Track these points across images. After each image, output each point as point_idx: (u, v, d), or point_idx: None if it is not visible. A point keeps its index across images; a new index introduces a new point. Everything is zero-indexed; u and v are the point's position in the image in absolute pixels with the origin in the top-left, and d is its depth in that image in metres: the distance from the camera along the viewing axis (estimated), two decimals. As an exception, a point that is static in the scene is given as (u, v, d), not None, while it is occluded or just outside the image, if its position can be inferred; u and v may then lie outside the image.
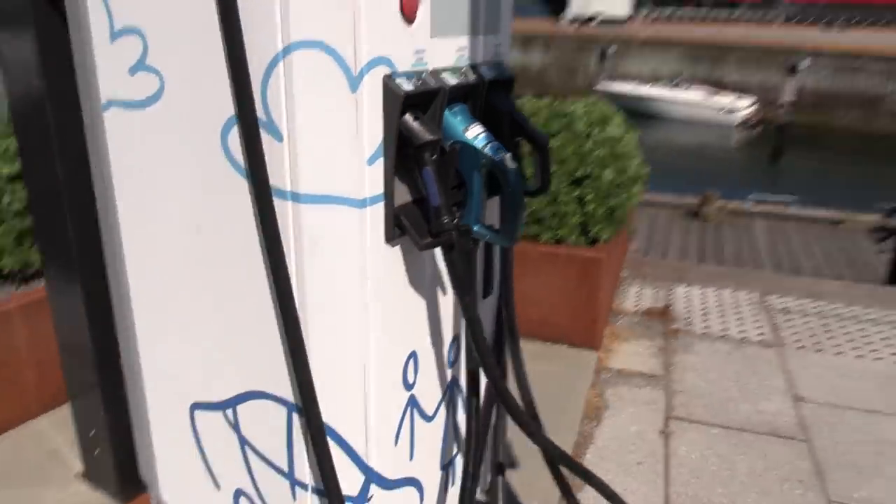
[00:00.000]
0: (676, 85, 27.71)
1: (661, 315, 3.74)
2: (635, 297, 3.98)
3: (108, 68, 1.51)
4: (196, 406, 1.68)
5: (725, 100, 26.80)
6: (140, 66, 1.43)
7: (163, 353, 1.71)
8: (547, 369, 3.03)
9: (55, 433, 2.53)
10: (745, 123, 26.91)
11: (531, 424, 1.62)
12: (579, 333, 3.28)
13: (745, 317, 3.73)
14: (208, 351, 1.58)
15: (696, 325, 3.64)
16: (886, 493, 2.37)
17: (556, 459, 1.87)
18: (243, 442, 1.61)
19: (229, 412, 1.61)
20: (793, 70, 29.79)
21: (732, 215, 8.38)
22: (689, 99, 27.25)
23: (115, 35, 1.46)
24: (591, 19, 39.05)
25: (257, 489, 1.64)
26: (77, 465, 2.33)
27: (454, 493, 1.91)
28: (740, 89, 29.68)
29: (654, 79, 29.08)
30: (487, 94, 1.52)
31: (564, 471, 1.93)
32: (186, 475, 1.79)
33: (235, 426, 1.61)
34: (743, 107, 26.88)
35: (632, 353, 3.32)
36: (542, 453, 1.76)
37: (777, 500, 2.34)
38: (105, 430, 2.05)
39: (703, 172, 15.27)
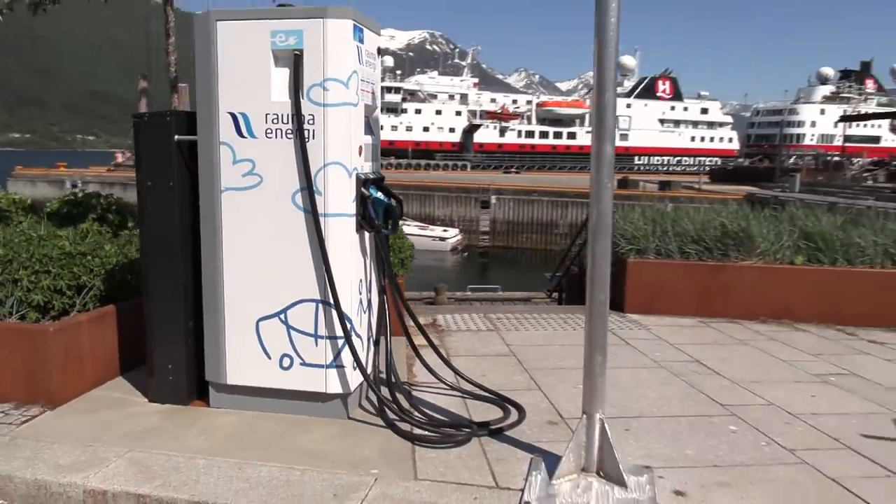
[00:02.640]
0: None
1: (433, 325, 6.26)
2: (422, 320, 6.48)
3: (228, 172, 3.71)
4: (261, 318, 3.79)
5: (435, 232, 31.69)
6: (250, 173, 3.68)
7: (240, 293, 3.79)
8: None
9: (113, 392, 4.18)
10: (455, 249, 31.98)
11: (407, 312, 4.01)
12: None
13: (477, 322, 6.40)
14: (273, 287, 3.74)
15: (452, 327, 6.23)
16: (550, 367, 5.02)
17: (418, 329, 4.24)
18: (289, 328, 3.76)
19: (282, 315, 3.76)
20: (485, 205, 36.27)
21: (457, 300, 11.43)
22: (408, 232, 31.76)
23: (236, 160, 3.69)
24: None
25: (295, 349, 3.77)
26: (142, 401, 4.07)
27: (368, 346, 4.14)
28: (448, 222, 35.18)
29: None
30: (378, 182, 4.01)
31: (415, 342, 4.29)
32: (247, 359, 3.83)
33: (285, 321, 3.76)
34: (450, 236, 31.98)
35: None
36: (406, 326, 4.12)
37: (505, 371, 4.86)
38: (182, 359, 3.95)
39: (433, 278, 18.78)
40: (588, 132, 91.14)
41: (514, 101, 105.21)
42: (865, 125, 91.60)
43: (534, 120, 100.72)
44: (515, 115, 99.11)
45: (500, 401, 4.10)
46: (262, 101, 3.63)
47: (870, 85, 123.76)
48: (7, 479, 3.18)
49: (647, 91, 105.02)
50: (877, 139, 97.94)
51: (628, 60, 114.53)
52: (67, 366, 4.04)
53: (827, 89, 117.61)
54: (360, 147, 3.77)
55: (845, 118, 55.24)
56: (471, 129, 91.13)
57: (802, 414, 4.09)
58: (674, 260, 6.84)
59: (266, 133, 3.64)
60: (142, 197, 3.91)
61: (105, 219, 6.80)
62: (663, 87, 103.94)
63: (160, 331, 3.99)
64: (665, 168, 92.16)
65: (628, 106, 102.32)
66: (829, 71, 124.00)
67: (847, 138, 71.16)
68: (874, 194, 28.01)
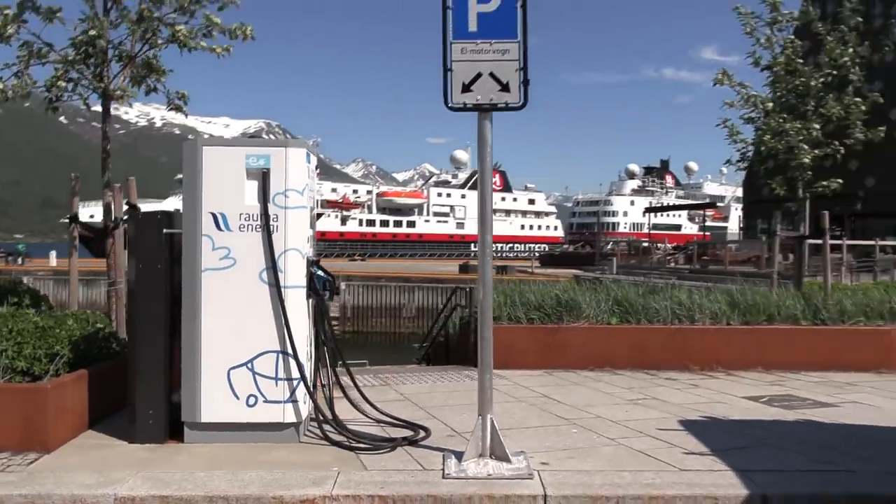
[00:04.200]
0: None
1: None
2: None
3: (208, 257, 4.93)
4: (231, 367, 4.95)
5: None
6: (226, 257, 4.93)
7: (216, 349, 4.94)
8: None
9: (92, 439, 5.03)
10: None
11: (340, 359, 5.33)
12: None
13: (371, 380, 7.69)
14: (243, 339, 4.94)
15: (351, 385, 7.48)
16: (439, 405, 6.42)
17: (347, 376, 5.53)
18: (254, 373, 4.96)
19: (249, 364, 4.96)
20: (336, 291, 37.27)
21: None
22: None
23: (215, 247, 4.93)
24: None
25: (259, 390, 4.96)
26: (123, 443, 4.99)
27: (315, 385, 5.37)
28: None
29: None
30: (317, 262, 5.37)
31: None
32: (219, 401, 4.95)
33: (252, 368, 4.96)
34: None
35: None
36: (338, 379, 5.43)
37: (405, 410, 6.19)
38: (162, 406, 4.97)
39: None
40: (426, 221, 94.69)
41: (355, 191, 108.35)
42: (667, 215, 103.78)
43: (374, 209, 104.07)
44: (356, 205, 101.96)
45: (411, 425, 5.47)
46: (237, 204, 4.94)
47: (669, 180, 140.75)
48: (46, 497, 4.07)
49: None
50: (678, 227, 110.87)
51: (461, 155, 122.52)
52: (58, 418, 4.91)
53: (635, 183, 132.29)
54: (309, 237, 5.16)
55: (650, 209, 62.89)
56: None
57: (620, 420, 5.84)
58: (521, 325, 8.62)
59: (239, 228, 4.94)
60: (134, 277, 5.00)
61: (21, 302, 7.46)
62: (494, 179, 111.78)
63: (144, 384, 5.00)
64: (499, 254, 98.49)
65: (463, 196, 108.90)
66: (635, 167, 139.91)
67: (654, 226, 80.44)
68: (676, 273, 32.61)
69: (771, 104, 10.26)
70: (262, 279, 4.95)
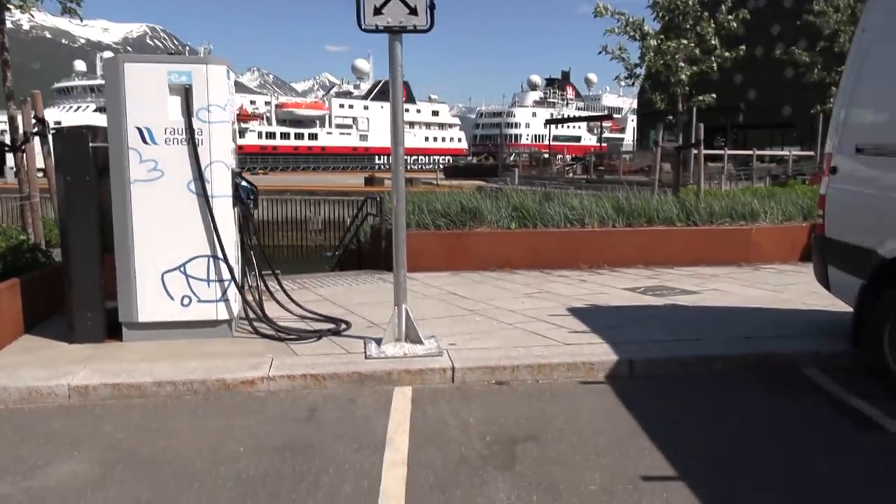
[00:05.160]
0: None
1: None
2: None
3: (136, 169, 5.22)
4: (165, 272, 5.36)
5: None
6: (154, 169, 5.25)
7: (149, 255, 5.32)
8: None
9: (32, 342, 5.36)
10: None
11: (267, 270, 5.83)
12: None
13: (289, 285, 8.21)
14: (174, 245, 5.34)
15: (271, 289, 7.98)
16: (356, 303, 7.07)
17: (273, 277, 6.04)
18: (187, 276, 5.40)
19: (182, 268, 5.38)
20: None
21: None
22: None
23: (142, 160, 5.23)
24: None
25: (192, 291, 5.42)
26: (64, 344, 5.36)
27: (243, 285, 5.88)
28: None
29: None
30: (240, 174, 5.76)
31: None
32: (155, 303, 5.38)
33: (184, 272, 5.39)
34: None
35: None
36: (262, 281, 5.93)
37: (326, 307, 6.80)
38: (98, 308, 5.35)
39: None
40: (329, 133, 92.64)
41: (253, 102, 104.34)
42: (568, 126, 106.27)
43: (274, 121, 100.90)
44: (255, 116, 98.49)
45: (333, 320, 6.09)
46: (162, 118, 5.22)
47: (570, 91, 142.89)
48: (2, 390, 4.46)
49: (383, 94, 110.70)
50: (578, 138, 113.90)
51: (363, 64, 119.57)
52: (-3, 322, 5.21)
53: (537, 95, 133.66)
54: (232, 150, 5.52)
55: (550, 121, 64.36)
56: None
57: (517, 310, 6.68)
58: (429, 231, 9.29)
59: (165, 141, 5.24)
60: (63, 190, 5.23)
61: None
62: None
63: (80, 289, 5.34)
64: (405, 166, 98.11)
65: (366, 108, 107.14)
66: (537, 78, 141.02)
67: (555, 137, 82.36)
68: (574, 184, 34.19)
69: (647, 27, 11.05)
70: (191, 189, 5.31)
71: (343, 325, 5.90)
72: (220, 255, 5.37)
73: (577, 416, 4.32)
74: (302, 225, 36.79)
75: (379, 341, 5.30)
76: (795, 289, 7.94)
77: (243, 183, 5.63)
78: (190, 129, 5.23)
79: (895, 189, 4.86)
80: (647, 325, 6.11)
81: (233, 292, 5.51)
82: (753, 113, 48.57)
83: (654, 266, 9.50)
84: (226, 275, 5.43)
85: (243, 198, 5.59)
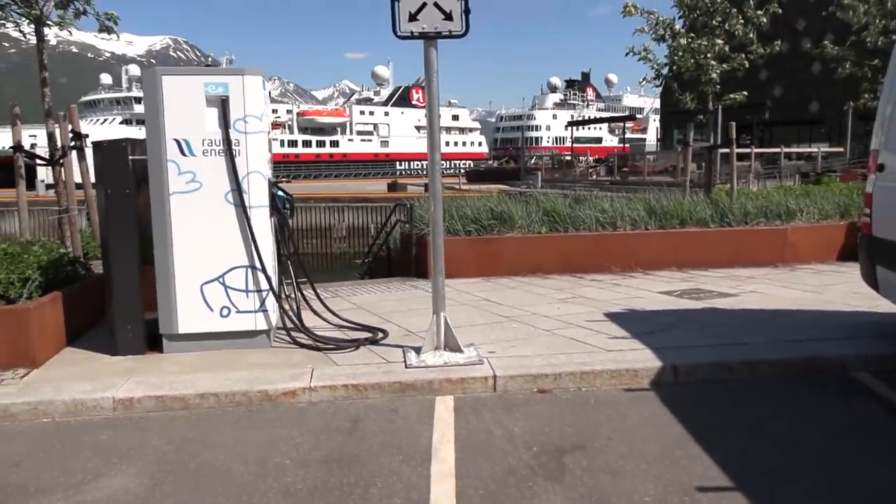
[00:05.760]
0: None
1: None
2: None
3: (175, 181, 5.26)
4: (204, 283, 5.38)
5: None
6: (192, 181, 5.27)
7: (188, 266, 5.35)
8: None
9: (76, 354, 5.41)
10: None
11: (303, 279, 5.83)
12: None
13: (322, 294, 8.23)
14: (213, 256, 5.36)
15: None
16: (390, 311, 7.05)
17: (309, 287, 6.04)
18: (226, 287, 5.41)
19: (221, 279, 5.40)
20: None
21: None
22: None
23: (180, 172, 5.26)
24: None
25: (231, 301, 5.43)
26: (107, 356, 5.40)
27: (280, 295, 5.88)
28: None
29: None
30: (277, 184, 5.77)
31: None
32: (194, 314, 5.40)
33: (223, 283, 5.40)
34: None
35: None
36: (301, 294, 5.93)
37: (361, 315, 6.79)
38: (139, 321, 5.38)
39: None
40: (350, 140, 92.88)
41: (275, 111, 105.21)
42: (589, 128, 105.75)
43: (295, 129, 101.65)
44: (277, 125, 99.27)
45: (370, 328, 6.07)
46: (199, 130, 5.24)
47: (590, 93, 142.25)
48: (49, 403, 4.50)
49: (403, 100, 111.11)
50: (599, 140, 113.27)
51: (383, 71, 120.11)
52: (41, 336, 5.26)
53: (557, 97, 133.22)
54: (268, 160, 5.54)
55: (571, 123, 64.04)
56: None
57: (553, 316, 6.61)
58: (460, 236, 9.25)
59: (203, 153, 5.26)
60: (104, 203, 5.28)
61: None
62: (417, 95, 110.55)
63: (122, 301, 5.38)
64: (424, 172, 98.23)
65: (387, 114, 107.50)
66: (557, 81, 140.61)
67: (576, 139, 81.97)
68: (598, 186, 33.97)
69: (678, 26, 10.93)
70: (228, 200, 5.33)
71: (380, 334, 5.88)
72: (258, 265, 5.38)
73: (624, 424, 4.25)
74: (326, 232, 36.96)
75: (418, 350, 5.27)
76: (837, 289, 7.77)
77: (279, 192, 5.65)
78: (227, 141, 5.25)
79: (947, 187, 4.72)
80: (687, 329, 6.01)
81: (271, 302, 5.51)
82: (779, 110, 47.93)
83: (687, 268, 9.37)
84: (264, 285, 5.44)
85: (280, 207, 5.59)
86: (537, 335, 5.88)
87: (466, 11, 5.01)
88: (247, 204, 5.32)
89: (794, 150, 38.72)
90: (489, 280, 8.83)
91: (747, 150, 31.62)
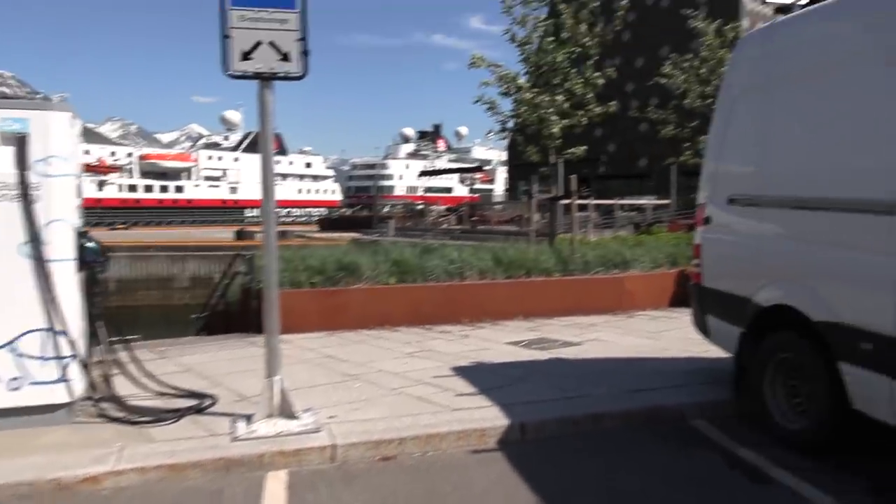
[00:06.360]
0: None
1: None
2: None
3: None
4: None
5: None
6: (-24, 230, 4.50)
7: (-31, 336, 4.52)
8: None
9: None
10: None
11: (117, 334, 5.13)
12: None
13: (147, 354, 7.39)
14: (2, 319, 4.56)
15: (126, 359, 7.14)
16: (223, 373, 6.42)
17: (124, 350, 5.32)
18: (18, 355, 4.62)
19: (13, 344, 4.60)
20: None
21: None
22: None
23: None
24: None
25: (25, 371, 4.63)
26: None
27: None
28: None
29: None
30: (86, 233, 5.08)
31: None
32: (-23, 388, 4.55)
33: (14, 350, 4.61)
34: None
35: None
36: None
37: (189, 380, 6.10)
38: None
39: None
40: (196, 185, 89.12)
41: (113, 153, 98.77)
42: (440, 178, 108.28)
43: (136, 173, 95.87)
44: (115, 168, 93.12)
45: (196, 395, 5.45)
46: (-12, 172, 4.51)
47: (441, 144, 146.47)
48: None
49: (253, 145, 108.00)
50: (450, 189, 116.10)
51: (233, 115, 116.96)
52: None
53: (409, 147, 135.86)
54: (77, 207, 4.87)
55: (424, 172, 65.33)
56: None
57: (400, 372, 6.31)
58: (303, 289, 8.77)
59: (-8, 198, 4.52)
60: None
61: None
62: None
63: None
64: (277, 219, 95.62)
65: (236, 160, 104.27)
66: (409, 131, 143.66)
67: (428, 189, 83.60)
68: (449, 234, 34.52)
69: (522, 80, 11.37)
70: (24, 253, 4.59)
71: (208, 401, 5.28)
72: (59, 328, 4.66)
73: (471, 492, 3.99)
74: (167, 283, 34.66)
75: (249, 418, 4.75)
76: (671, 335, 8.10)
77: (90, 244, 4.97)
78: (23, 184, 4.54)
79: (767, 239, 4.99)
80: (534, 382, 5.92)
81: (75, 370, 4.78)
82: (613, 164, 51.64)
83: (534, 317, 9.45)
84: (66, 351, 4.71)
85: (90, 260, 4.91)
86: (382, 395, 5.54)
87: (305, 53, 4.72)
88: (47, 257, 4.62)
89: (626, 201, 41.59)
90: (335, 334, 8.40)
91: (585, 202, 33.56)
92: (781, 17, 5.35)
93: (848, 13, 4.56)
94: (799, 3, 5.24)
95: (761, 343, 4.93)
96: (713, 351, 6.07)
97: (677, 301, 10.38)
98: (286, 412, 4.77)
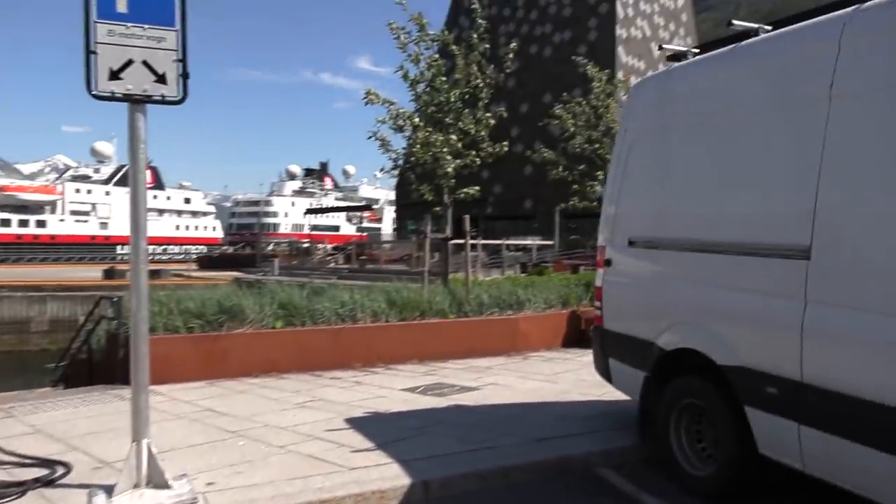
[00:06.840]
0: None
1: None
2: None
3: None
4: None
5: None
6: None
7: None
8: None
9: None
10: None
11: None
12: None
13: None
14: None
15: None
16: (82, 434, 5.60)
17: None
18: None
19: None
20: (-62, 306, 30.79)
21: None
22: None
23: None
24: None
25: None
26: None
27: None
28: None
29: None
30: None
31: None
32: None
33: None
34: None
35: None
36: None
37: (38, 444, 5.26)
38: None
39: None
40: (61, 220, 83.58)
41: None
42: (327, 216, 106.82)
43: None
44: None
45: (46, 463, 4.69)
46: None
47: (328, 182, 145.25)
48: None
49: (127, 178, 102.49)
50: (337, 228, 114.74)
51: (104, 147, 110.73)
52: None
53: (296, 184, 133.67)
54: None
55: (310, 210, 64.19)
56: None
57: (289, 426, 5.77)
58: (180, 334, 8.03)
59: None
60: None
61: None
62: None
63: None
64: (152, 256, 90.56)
65: (108, 194, 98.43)
66: (296, 168, 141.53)
67: (314, 227, 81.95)
68: (336, 273, 33.73)
69: (417, 119, 11.22)
70: None
71: (60, 470, 4.54)
72: None
73: (372, 567, 3.56)
74: (23, 326, 31.68)
75: (110, 490, 4.08)
76: (568, 377, 8.01)
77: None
78: None
79: (669, 281, 4.94)
80: (435, 433, 5.57)
81: None
82: (499, 205, 52.75)
83: (428, 360, 9.14)
84: None
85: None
86: (269, 454, 4.99)
87: (184, 76, 4.25)
88: None
89: (512, 241, 42.48)
90: (216, 383, 7.70)
91: (475, 242, 33.90)
92: (675, 64, 5.43)
93: (740, 61, 4.64)
94: (692, 50, 5.31)
95: (665, 387, 4.84)
96: (611, 393, 5.98)
97: (570, 341, 10.41)
98: (156, 481, 4.15)
